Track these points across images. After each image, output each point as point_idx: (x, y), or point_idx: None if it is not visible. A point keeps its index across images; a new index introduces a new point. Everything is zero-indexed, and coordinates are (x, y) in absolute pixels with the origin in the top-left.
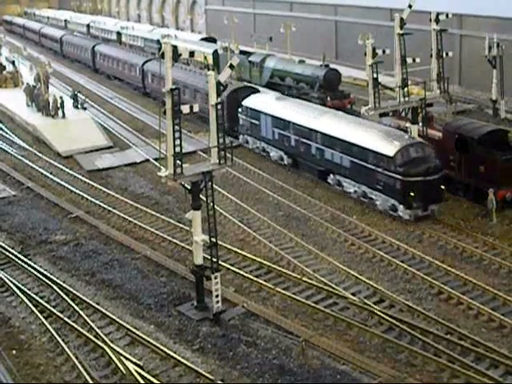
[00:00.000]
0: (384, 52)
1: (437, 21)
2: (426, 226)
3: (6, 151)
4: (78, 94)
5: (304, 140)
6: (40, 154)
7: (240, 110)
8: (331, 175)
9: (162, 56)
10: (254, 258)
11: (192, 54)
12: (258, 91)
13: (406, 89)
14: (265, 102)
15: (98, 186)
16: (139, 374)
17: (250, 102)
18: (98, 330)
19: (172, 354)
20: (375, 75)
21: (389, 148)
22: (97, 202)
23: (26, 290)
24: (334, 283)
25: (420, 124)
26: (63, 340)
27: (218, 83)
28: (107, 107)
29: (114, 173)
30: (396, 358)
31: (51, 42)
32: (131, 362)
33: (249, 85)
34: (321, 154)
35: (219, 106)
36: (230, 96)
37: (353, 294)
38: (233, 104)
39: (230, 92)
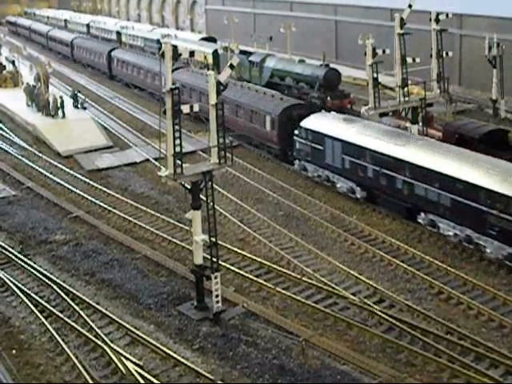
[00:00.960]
0: (384, 52)
1: (437, 21)
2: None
3: (6, 151)
4: (78, 94)
5: (386, 171)
6: (40, 154)
7: (297, 131)
8: (422, 214)
9: (162, 56)
10: (253, 257)
11: (192, 53)
12: (318, 110)
13: (406, 89)
14: (330, 123)
15: (97, 185)
16: (139, 373)
17: (311, 122)
18: (97, 330)
19: (172, 353)
20: (375, 75)
21: (509, 186)
22: (97, 201)
23: (25, 289)
24: (333, 283)
25: (420, 124)
26: (63, 340)
27: (218, 83)
28: (107, 107)
29: (113, 172)
30: (396, 357)
31: (61, 46)
32: (131, 361)
33: (305, 102)
34: (409, 189)
35: (219, 106)
36: (283, 114)
37: (353, 294)
38: (286, 124)
39: (283, 110)
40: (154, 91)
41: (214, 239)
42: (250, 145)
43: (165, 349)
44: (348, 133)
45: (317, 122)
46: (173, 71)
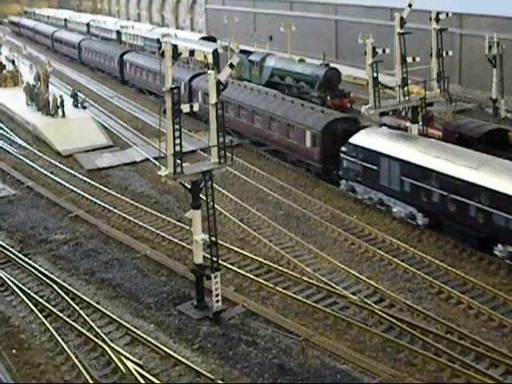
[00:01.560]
0: (384, 51)
1: (437, 20)
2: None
3: (6, 150)
4: (78, 93)
5: (456, 196)
6: (40, 153)
7: (345, 148)
8: (500, 245)
9: (162, 55)
10: (253, 257)
11: (192, 53)
12: (367, 124)
13: (406, 88)
14: (386, 140)
15: (97, 185)
16: (139, 373)
17: (362, 139)
18: (97, 330)
19: (172, 353)
20: (375, 74)
21: None
22: (97, 201)
23: (25, 289)
24: (333, 282)
25: (420, 123)
26: (63, 339)
27: (218, 82)
28: (107, 106)
29: (113, 172)
30: (396, 357)
31: (67, 48)
32: (131, 361)
33: (352, 116)
34: (485, 217)
35: (219, 106)
36: (326, 129)
37: (353, 294)
38: (329, 140)
39: (327, 124)
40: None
41: (214, 238)
42: (284, 161)
43: (165, 348)
44: (409, 152)
45: (369, 138)
46: (193, 78)
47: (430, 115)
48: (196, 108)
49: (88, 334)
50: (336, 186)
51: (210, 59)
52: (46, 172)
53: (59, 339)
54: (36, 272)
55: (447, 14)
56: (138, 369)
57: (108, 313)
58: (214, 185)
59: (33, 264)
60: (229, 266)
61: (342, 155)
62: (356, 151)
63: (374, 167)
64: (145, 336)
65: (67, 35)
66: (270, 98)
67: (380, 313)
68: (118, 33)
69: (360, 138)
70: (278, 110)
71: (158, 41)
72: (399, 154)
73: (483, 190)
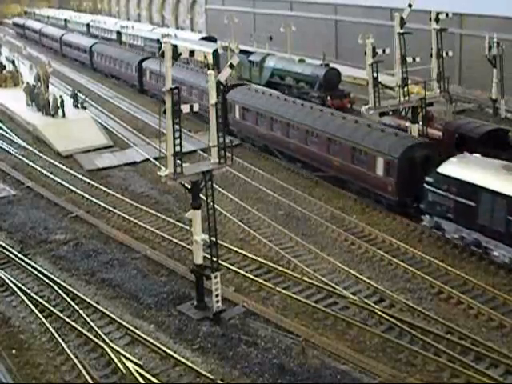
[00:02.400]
0: (384, 51)
1: (437, 20)
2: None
3: (6, 151)
4: (78, 94)
5: None
6: (40, 154)
7: (431, 179)
8: None
9: (162, 55)
10: (253, 257)
11: (192, 53)
12: (455, 153)
13: (406, 88)
14: (486, 171)
15: (97, 185)
16: (139, 373)
17: (454, 168)
18: (97, 330)
19: (172, 353)
20: (375, 74)
21: None
22: (97, 201)
23: (25, 289)
24: (334, 283)
25: (420, 123)
26: (63, 339)
27: (218, 83)
28: (107, 106)
29: (114, 172)
30: (396, 357)
31: (77, 53)
32: (131, 361)
33: (431, 141)
34: None
35: (219, 106)
36: (404, 156)
37: (353, 294)
38: (407, 168)
39: (405, 150)
40: (203, 113)
41: (214, 239)
42: (348, 190)
43: (165, 348)
44: None
45: (463, 167)
46: (229, 90)
47: (430, 115)
48: (196, 108)
49: (88, 334)
50: (415, 222)
51: (210, 59)
52: (46, 172)
53: (59, 339)
54: (36, 272)
55: (447, 14)
56: (138, 369)
57: (108, 313)
58: (214, 185)
59: (33, 264)
60: (229, 266)
61: (426, 187)
62: (446, 183)
63: (471, 203)
64: (145, 336)
65: (77, 38)
66: (327, 116)
67: (380, 313)
68: (119, 33)
69: (451, 168)
70: (339, 132)
71: (158, 41)
72: (506, 189)
73: None
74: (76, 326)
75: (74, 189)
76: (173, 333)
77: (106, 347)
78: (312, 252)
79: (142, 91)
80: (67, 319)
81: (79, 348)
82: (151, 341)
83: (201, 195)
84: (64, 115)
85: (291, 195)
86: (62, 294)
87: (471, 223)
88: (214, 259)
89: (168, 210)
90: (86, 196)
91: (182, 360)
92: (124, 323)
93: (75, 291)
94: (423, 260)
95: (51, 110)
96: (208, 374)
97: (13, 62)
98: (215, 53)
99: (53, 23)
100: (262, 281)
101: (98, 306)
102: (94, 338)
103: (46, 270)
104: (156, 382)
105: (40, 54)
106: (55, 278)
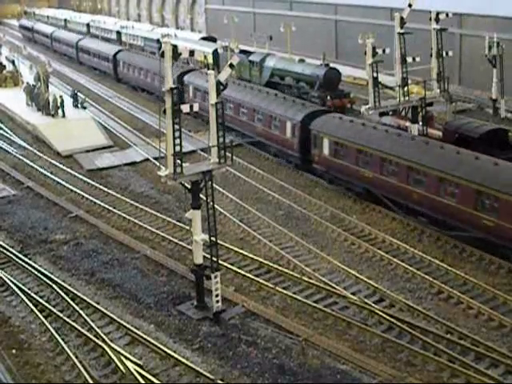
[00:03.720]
0: (384, 51)
1: (437, 20)
2: (426, 225)
3: (5, 150)
4: (78, 94)
5: None
6: (40, 154)
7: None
8: None
9: (162, 55)
10: (253, 257)
11: (192, 53)
12: None
13: (406, 88)
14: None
15: (97, 185)
16: (139, 373)
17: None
18: (97, 330)
19: (172, 353)
20: (375, 74)
21: None
22: (97, 201)
23: (25, 289)
24: (333, 282)
25: (420, 123)
26: (63, 339)
27: (218, 83)
28: (107, 106)
29: (113, 172)
30: (396, 357)
31: (98, 60)
32: (131, 361)
33: None
34: None
35: (219, 106)
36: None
37: (353, 294)
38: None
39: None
40: (250, 133)
41: (213, 239)
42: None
43: (165, 348)
44: None
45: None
46: (312, 117)
47: (430, 115)
48: (196, 108)
49: (88, 334)
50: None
51: (210, 59)
52: (45, 172)
53: (59, 339)
54: (36, 272)
55: (447, 14)
56: (138, 369)
57: (108, 313)
58: (214, 185)
59: (33, 264)
60: (229, 266)
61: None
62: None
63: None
64: (145, 336)
65: (97, 45)
66: (436, 149)
67: (380, 313)
68: (118, 33)
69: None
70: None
71: (158, 41)
72: None
73: None
74: (76, 325)
75: (73, 189)
76: (173, 333)
77: (105, 347)
78: (312, 252)
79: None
80: (67, 319)
81: (79, 348)
82: (151, 341)
83: (201, 195)
84: (64, 115)
85: (291, 195)
86: (62, 293)
87: None
88: (214, 259)
89: (168, 209)
90: (86, 196)
91: (182, 360)
92: (124, 323)
93: (75, 291)
94: (423, 260)
95: (51, 109)
96: (208, 374)
97: (13, 62)
98: (215, 53)
99: (52, 23)
100: (261, 281)
101: (97, 306)
102: (93, 338)
103: (45, 269)
104: (156, 381)
105: (40, 53)
106: (55, 278)
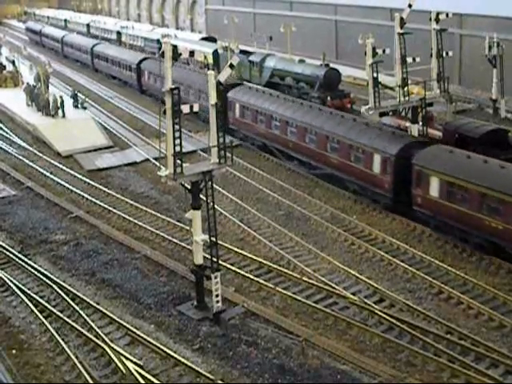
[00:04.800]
0: (384, 51)
1: (437, 20)
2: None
3: (6, 151)
4: (78, 94)
5: None
6: (40, 154)
7: None
8: None
9: (162, 55)
10: (253, 257)
11: (192, 53)
12: None
13: (406, 88)
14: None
15: (98, 185)
16: (139, 373)
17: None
18: (98, 330)
19: (172, 353)
20: (375, 75)
21: None
22: (97, 201)
23: (25, 289)
24: (333, 283)
25: (420, 123)
26: (63, 340)
27: (218, 83)
28: (107, 107)
29: (114, 172)
30: (396, 357)
31: (119, 69)
32: (131, 361)
33: None
34: None
35: (219, 106)
36: None
37: (353, 294)
38: None
39: None
40: (321, 164)
41: (214, 239)
42: None
43: (165, 348)
44: None
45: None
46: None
47: (430, 115)
48: (197, 108)
49: (88, 334)
50: None
51: (210, 59)
52: (46, 172)
53: (59, 339)
54: (36, 272)
55: (447, 14)
56: (138, 369)
57: (108, 313)
58: (214, 185)
59: (33, 264)
60: (229, 266)
61: None
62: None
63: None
64: (145, 336)
65: (116, 52)
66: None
67: (380, 313)
68: (119, 33)
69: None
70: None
71: (158, 41)
72: None
73: None
74: (76, 326)
75: (74, 189)
76: (173, 333)
77: (106, 347)
78: (312, 252)
79: (228, 131)
80: (67, 319)
81: (79, 348)
82: (151, 341)
83: (201, 195)
84: (64, 115)
85: (291, 195)
86: (62, 294)
87: None
88: (214, 259)
89: (168, 210)
90: (86, 196)
91: (182, 360)
92: (124, 323)
93: (75, 291)
94: (423, 260)
95: (51, 110)
96: (208, 374)
97: (13, 62)
98: (215, 53)
99: (53, 23)
100: (261, 281)
101: (98, 306)
102: (94, 338)
103: (46, 270)
104: (156, 382)
105: (40, 54)
106: (55, 278)
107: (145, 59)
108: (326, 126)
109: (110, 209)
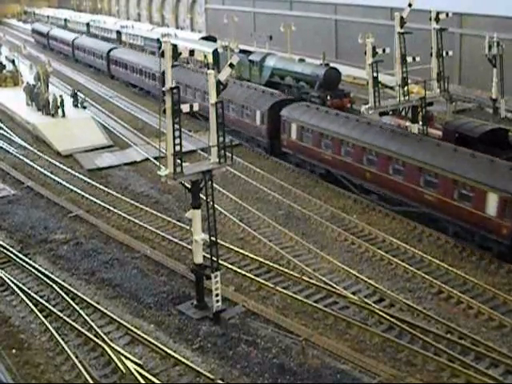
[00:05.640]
0: (384, 51)
1: (437, 20)
2: (425, 225)
3: (5, 150)
4: (78, 93)
5: None
6: (40, 153)
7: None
8: None
9: (162, 55)
10: (253, 257)
11: (192, 52)
12: None
13: (406, 88)
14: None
15: (97, 185)
16: (139, 373)
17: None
18: (97, 329)
19: (172, 353)
20: (375, 74)
21: None
22: (97, 200)
23: (25, 289)
24: (333, 282)
25: (420, 123)
26: (63, 339)
27: (218, 82)
28: (107, 106)
29: (113, 172)
30: (396, 357)
31: (140, 77)
32: (131, 361)
33: None
34: None
35: (219, 105)
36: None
37: (353, 293)
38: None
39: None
40: (383, 188)
41: (213, 238)
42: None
43: (165, 348)
44: None
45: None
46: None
47: (430, 115)
48: (196, 108)
49: (88, 333)
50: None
51: (210, 59)
52: (45, 172)
53: (59, 339)
54: (36, 272)
55: (447, 14)
56: (138, 369)
57: (108, 313)
58: (214, 184)
59: (33, 264)
60: (229, 265)
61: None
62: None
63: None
64: (145, 336)
65: (137, 57)
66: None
67: (380, 313)
68: (118, 33)
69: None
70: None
71: (158, 41)
72: None
73: None
74: (76, 325)
75: (73, 188)
76: (173, 332)
77: (105, 347)
78: (312, 251)
79: (276, 153)
80: (67, 319)
81: (79, 348)
82: (151, 340)
83: (201, 195)
84: (64, 115)
85: (291, 195)
86: (62, 293)
87: None
88: (214, 259)
89: (168, 209)
90: (86, 195)
91: (182, 359)
92: (124, 323)
93: (75, 291)
94: (423, 260)
95: (51, 109)
96: (208, 374)
97: (13, 62)
98: (215, 52)
99: (53, 23)
100: (261, 280)
101: (97, 306)
102: (93, 338)
103: (45, 269)
104: (156, 381)
105: (40, 53)
106: (55, 278)
107: (181, 69)
108: (419, 155)
109: (110, 208)
